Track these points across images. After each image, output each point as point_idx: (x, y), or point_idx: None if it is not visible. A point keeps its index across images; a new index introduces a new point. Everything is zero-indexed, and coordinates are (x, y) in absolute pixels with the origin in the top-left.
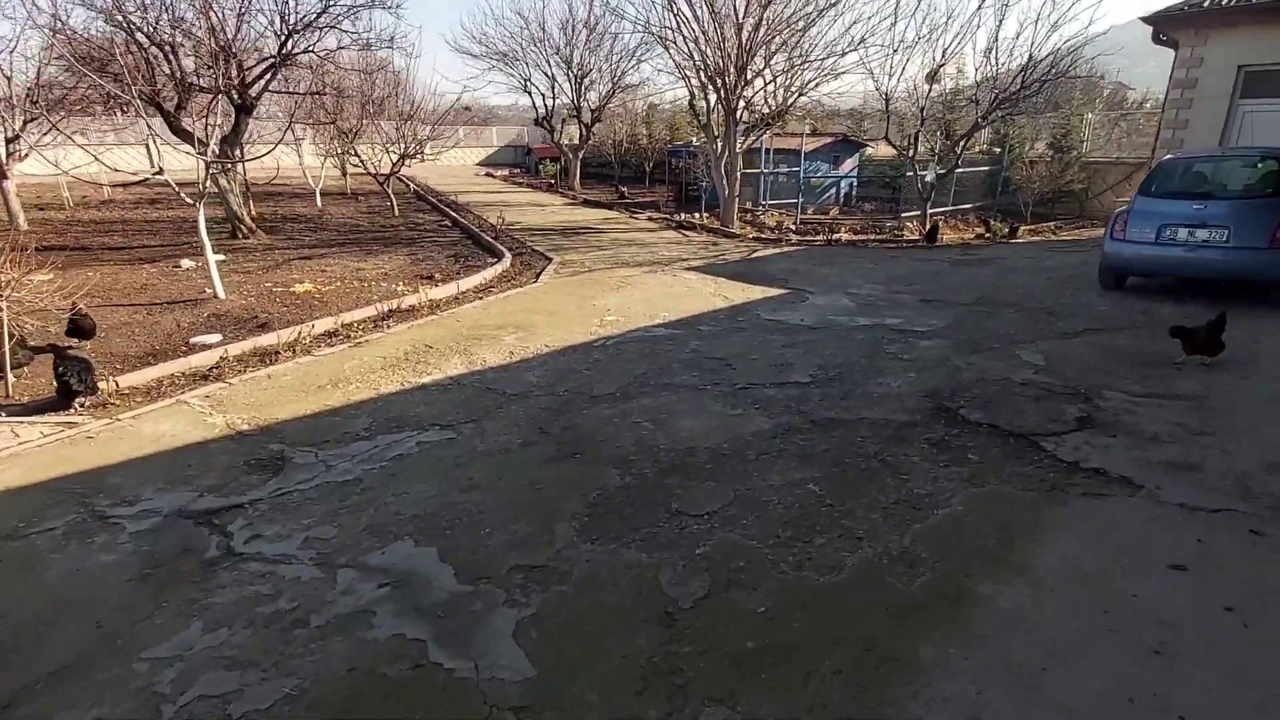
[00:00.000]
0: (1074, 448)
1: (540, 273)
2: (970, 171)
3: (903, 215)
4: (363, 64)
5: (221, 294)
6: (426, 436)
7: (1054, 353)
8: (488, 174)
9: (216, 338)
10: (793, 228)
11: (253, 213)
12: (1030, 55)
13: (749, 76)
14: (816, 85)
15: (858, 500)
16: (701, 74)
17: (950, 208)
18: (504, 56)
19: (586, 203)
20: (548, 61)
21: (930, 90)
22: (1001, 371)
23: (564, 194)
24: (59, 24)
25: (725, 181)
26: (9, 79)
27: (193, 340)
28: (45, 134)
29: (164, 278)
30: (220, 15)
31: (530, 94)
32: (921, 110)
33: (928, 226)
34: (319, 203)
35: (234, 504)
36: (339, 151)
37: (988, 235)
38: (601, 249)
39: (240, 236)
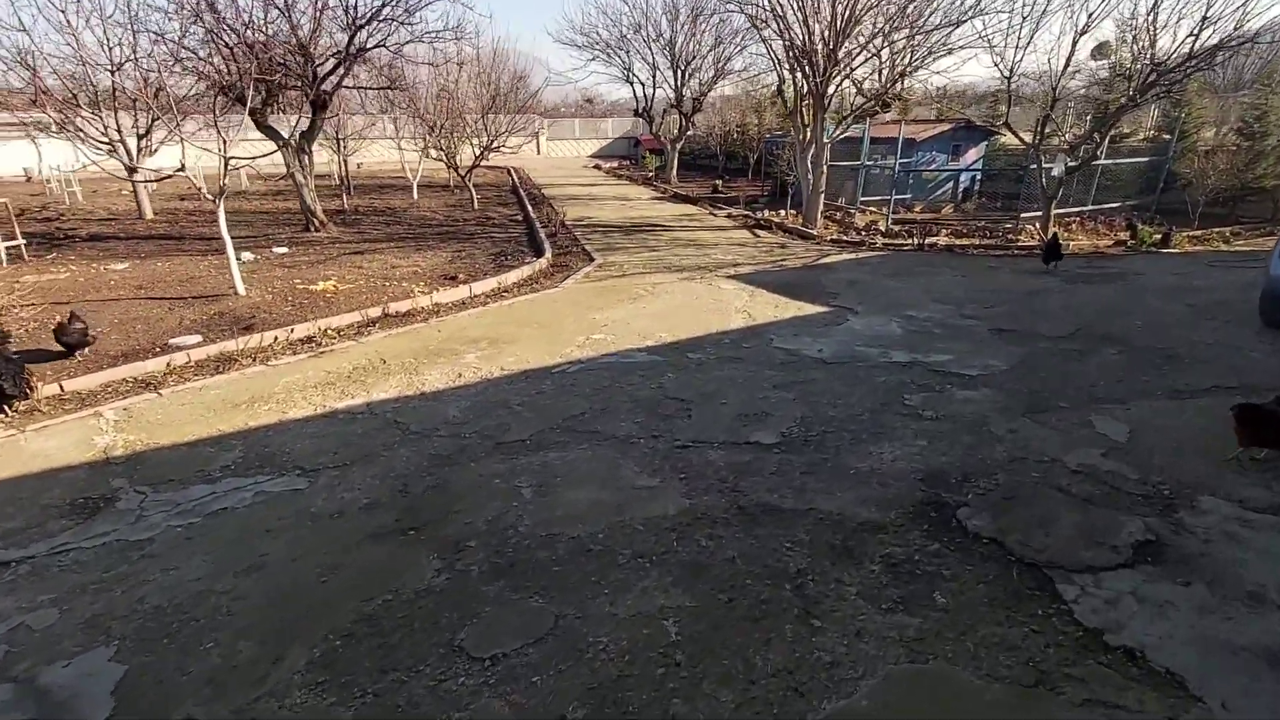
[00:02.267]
0: (1108, 600)
1: (571, 275)
2: (1126, 163)
3: (1022, 216)
4: (442, 58)
5: (241, 290)
6: (273, 485)
7: (1147, 422)
8: (595, 166)
9: (196, 339)
10: (882, 229)
11: (348, 204)
12: (1204, 14)
13: (840, 56)
14: (922, 64)
15: (721, 662)
16: (790, 54)
17: (1089, 207)
18: (605, 45)
19: (676, 197)
20: (648, 47)
21: (1092, 65)
22: (1054, 448)
23: (657, 187)
24: (174, 38)
25: (810, 175)
26: (146, 82)
27: (172, 341)
28: (169, 133)
29: (215, 270)
30: (294, 16)
31: (631, 84)
32: (1054, 90)
33: (1048, 232)
34: (415, 195)
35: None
36: (423, 146)
37: (1131, 242)
38: (654, 250)
39: (312, 229)
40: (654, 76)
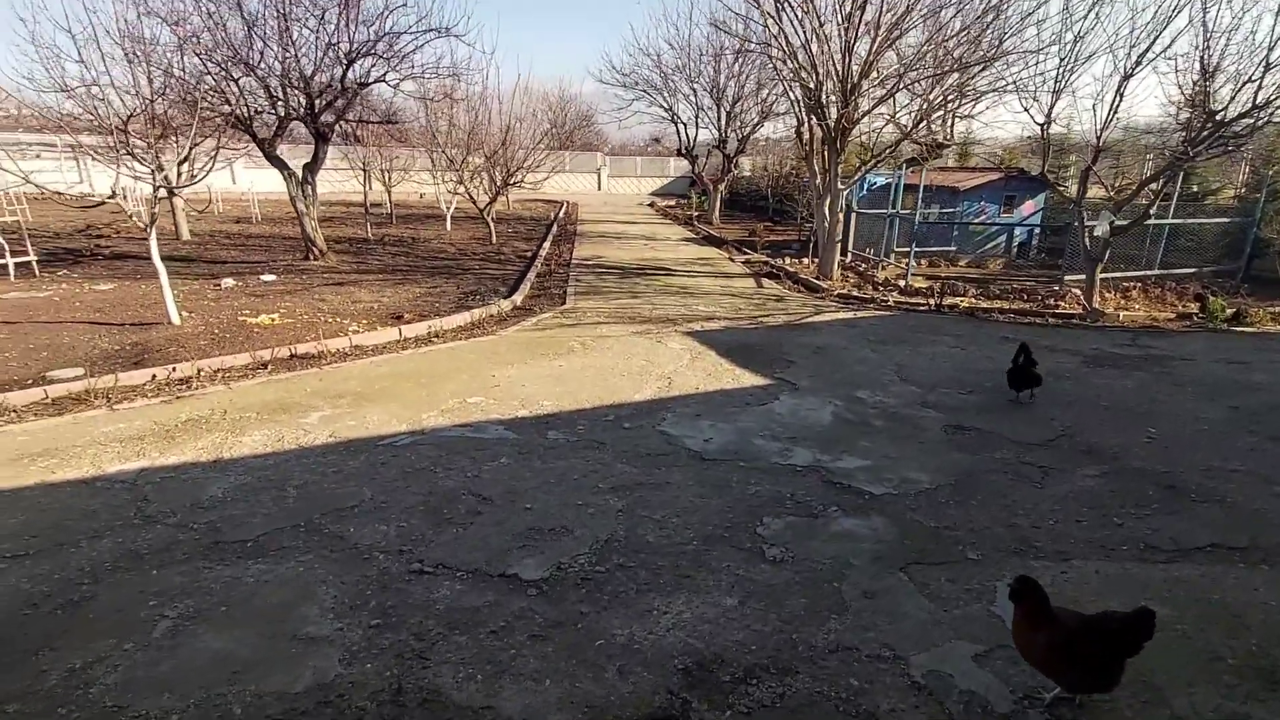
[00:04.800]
0: None
1: (525, 319)
2: (1194, 223)
3: (1067, 279)
4: (440, 94)
5: (176, 320)
6: None
7: (1078, 601)
8: (651, 204)
9: (77, 373)
10: (901, 285)
11: (375, 232)
12: (1266, 59)
13: (853, 98)
14: (945, 109)
15: None
16: (803, 92)
17: (1156, 271)
18: (649, 85)
19: (708, 239)
20: (691, 88)
21: (1181, 114)
22: (908, 636)
23: (695, 228)
24: (175, 69)
25: (827, 222)
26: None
27: (50, 374)
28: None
29: (189, 295)
30: (291, 51)
31: (675, 124)
32: (1098, 138)
33: (1092, 300)
34: (448, 225)
35: None
36: (443, 180)
37: (1199, 315)
38: (635, 296)
39: (311, 258)
40: (696, 117)
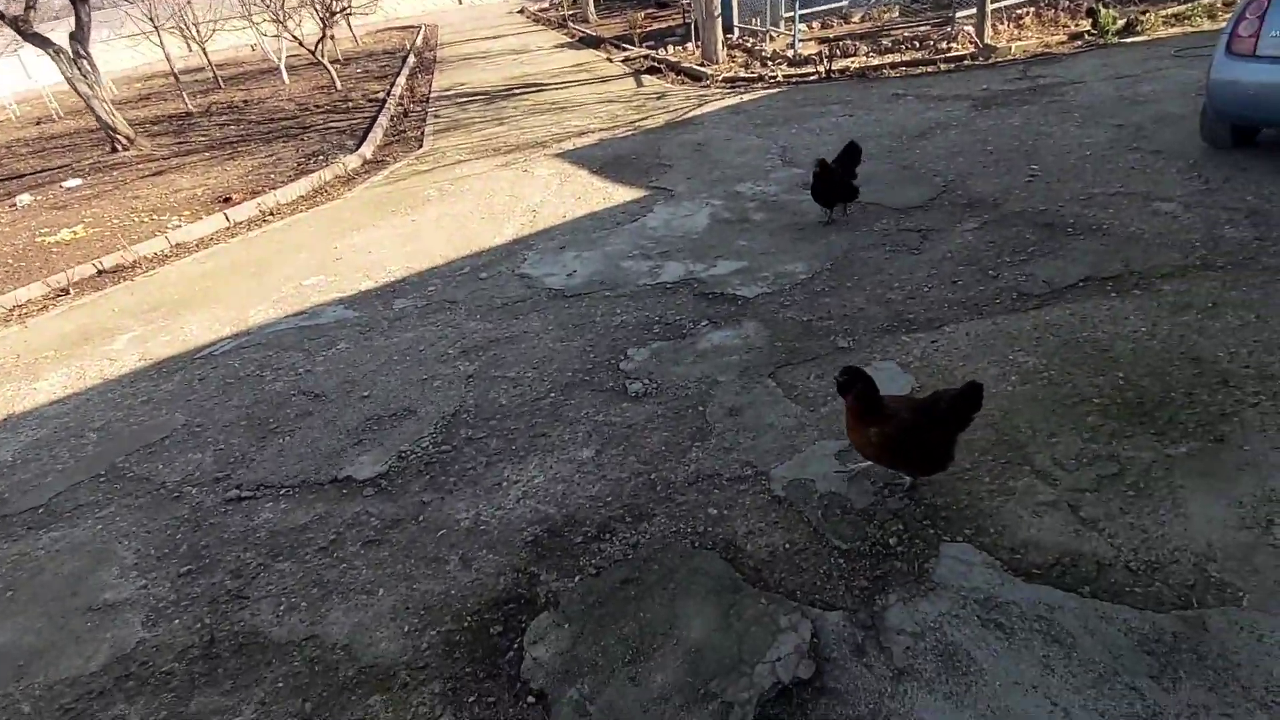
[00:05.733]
0: None
1: (377, 172)
2: None
3: (957, 17)
4: None
5: None
6: None
7: (949, 369)
8: (521, 9)
9: None
10: (789, 57)
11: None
12: None
13: None
14: None
15: None
16: None
17: None
18: None
19: (584, 40)
20: None
21: None
22: (772, 447)
23: (570, 30)
24: None
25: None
26: None
27: None
28: None
29: None
30: None
31: None
32: None
33: (983, 37)
34: (285, 79)
35: None
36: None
37: (1091, 32)
38: (502, 123)
39: (119, 149)
40: None
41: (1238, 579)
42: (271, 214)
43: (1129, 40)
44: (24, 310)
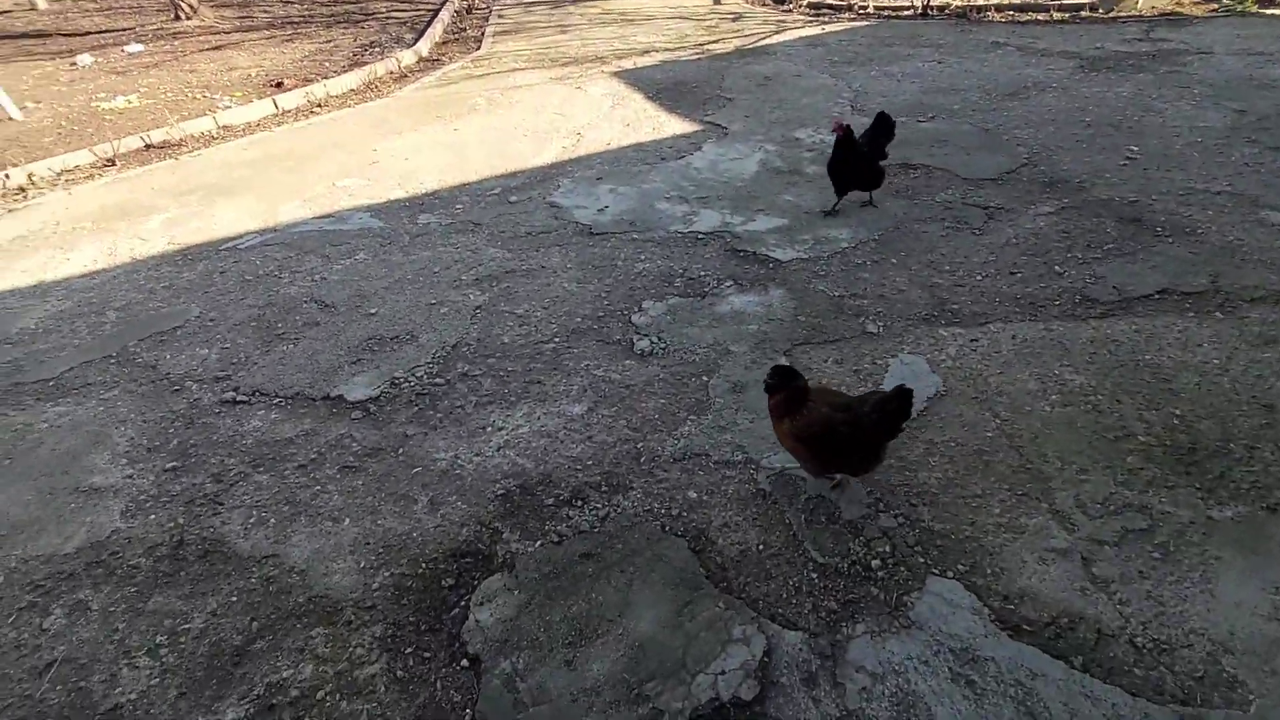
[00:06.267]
0: None
1: (429, 73)
2: None
3: None
4: None
5: (15, 115)
6: None
7: (979, 374)
8: None
9: None
10: None
11: None
12: None
13: None
14: None
15: None
16: None
17: None
18: None
19: None
20: None
21: None
22: (762, 439)
23: None
24: None
25: None
26: None
27: None
28: None
29: (39, 81)
30: None
31: None
32: None
33: None
34: None
35: None
36: None
37: None
38: (565, 31)
39: (182, 17)
40: None
41: (1252, 678)
42: (319, 105)
43: (1268, 11)
44: (71, 176)
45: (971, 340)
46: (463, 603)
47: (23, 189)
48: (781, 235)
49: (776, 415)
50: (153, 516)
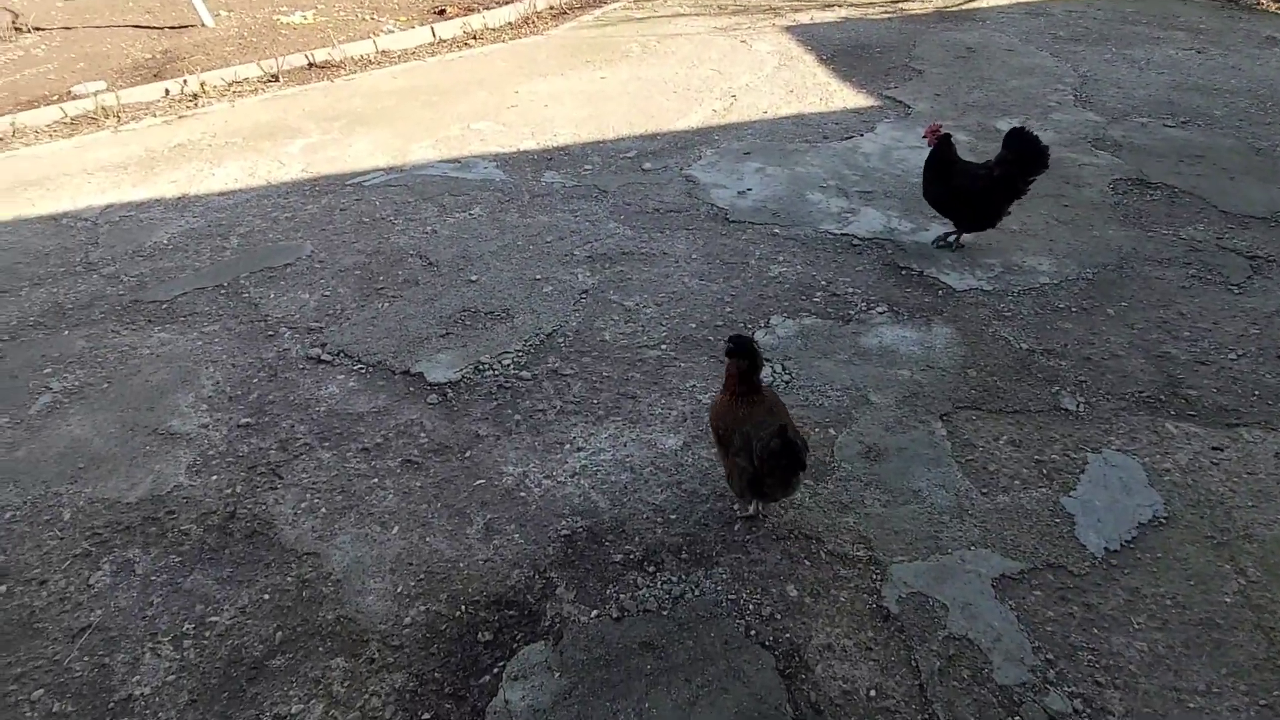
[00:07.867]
0: None
1: (589, 12)
2: None
3: None
4: None
5: (209, 22)
6: None
7: (1243, 498)
8: None
9: (99, 86)
10: None
11: None
12: None
13: None
14: None
15: None
16: None
17: None
18: None
19: None
20: None
21: None
22: (893, 536)
23: None
24: None
25: None
26: None
27: (74, 89)
28: None
29: None
30: None
31: None
32: None
33: None
34: None
35: None
36: None
37: None
38: None
39: None
40: None
41: None
42: (474, 38)
43: None
44: (239, 89)
45: (1213, 448)
46: (496, 668)
47: (195, 96)
48: (960, 255)
49: (729, 387)
50: (214, 478)
